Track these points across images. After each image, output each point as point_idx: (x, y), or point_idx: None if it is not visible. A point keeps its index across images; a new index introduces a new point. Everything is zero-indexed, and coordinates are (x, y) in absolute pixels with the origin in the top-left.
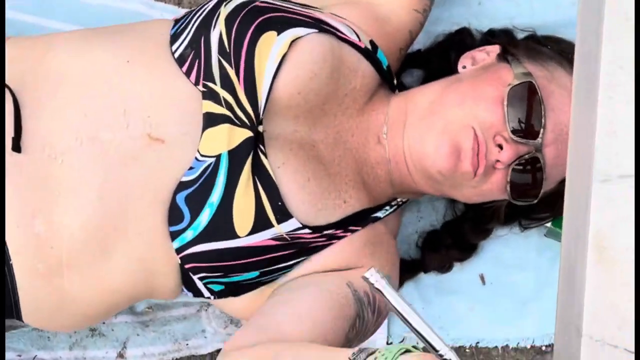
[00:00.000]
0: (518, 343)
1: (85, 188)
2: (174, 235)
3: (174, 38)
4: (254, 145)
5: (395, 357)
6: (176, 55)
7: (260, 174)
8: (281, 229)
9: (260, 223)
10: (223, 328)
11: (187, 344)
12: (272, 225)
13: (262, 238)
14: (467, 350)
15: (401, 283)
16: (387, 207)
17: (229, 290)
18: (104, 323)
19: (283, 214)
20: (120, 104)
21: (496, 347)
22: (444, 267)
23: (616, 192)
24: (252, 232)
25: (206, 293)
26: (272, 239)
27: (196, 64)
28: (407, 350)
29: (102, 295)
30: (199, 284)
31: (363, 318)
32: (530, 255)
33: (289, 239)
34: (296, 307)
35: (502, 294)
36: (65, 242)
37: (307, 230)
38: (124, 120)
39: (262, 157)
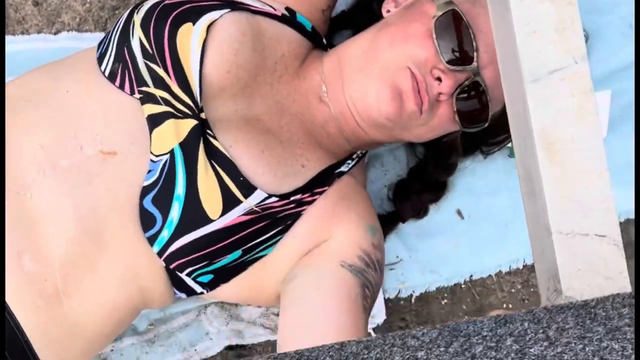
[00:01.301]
0: (510, 266)
1: (60, 215)
2: (151, 240)
3: (100, 59)
4: (202, 131)
5: None
6: (106, 73)
7: (216, 156)
8: (250, 202)
9: (229, 202)
10: (225, 326)
11: (195, 350)
12: (240, 201)
13: (235, 215)
14: (462, 286)
15: (384, 237)
16: (350, 161)
17: (217, 278)
18: (112, 350)
19: (247, 188)
20: (70, 130)
21: (490, 275)
22: (420, 212)
23: (549, 88)
24: (224, 213)
25: (198, 288)
26: (244, 214)
27: (126, 75)
28: None
29: (103, 313)
30: (189, 281)
31: (370, 283)
32: (499, 179)
33: (260, 211)
34: (314, 325)
35: (482, 223)
36: (56, 271)
37: (274, 199)
38: (77, 143)
39: (213, 140)
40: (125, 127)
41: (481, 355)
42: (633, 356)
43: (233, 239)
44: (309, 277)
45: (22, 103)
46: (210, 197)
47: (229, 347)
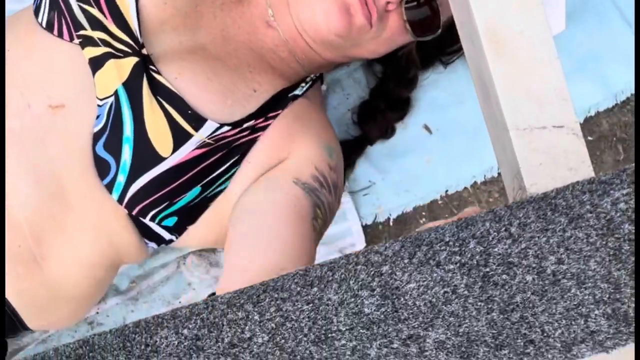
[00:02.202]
0: (485, 175)
1: (21, 178)
2: (109, 188)
3: (36, 11)
4: (144, 68)
5: None
6: (44, 24)
7: (161, 91)
8: (201, 135)
9: (179, 137)
10: (206, 274)
11: (179, 302)
12: (191, 135)
13: (188, 150)
14: (439, 202)
15: (353, 163)
16: (303, 84)
17: (182, 219)
18: (97, 312)
19: (197, 120)
20: (15, 90)
21: (465, 188)
22: (387, 132)
23: None
24: (175, 149)
25: (166, 234)
26: (197, 148)
27: (63, 21)
28: None
29: (82, 272)
30: (155, 227)
31: (322, 203)
32: (463, 88)
33: (213, 142)
34: (259, 235)
35: (451, 135)
36: (28, 235)
37: (226, 128)
38: (24, 101)
39: (156, 75)
40: (69, 76)
41: (446, 261)
42: (598, 242)
43: (189, 175)
44: (259, 194)
45: None
46: (159, 135)
47: (213, 295)
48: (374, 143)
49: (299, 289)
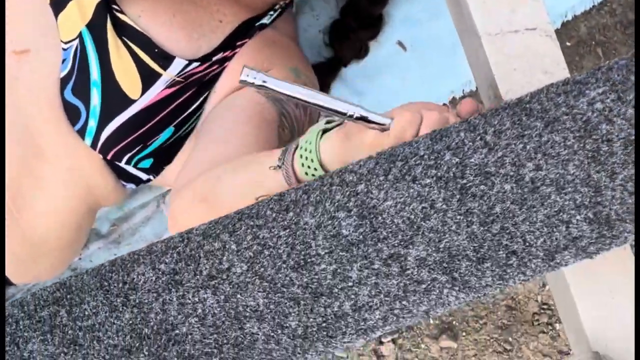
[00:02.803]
0: (463, 90)
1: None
2: (81, 133)
3: None
4: (107, 8)
5: (317, 141)
6: None
7: (125, 31)
8: (170, 73)
9: (148, 78)
10: None
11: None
12: (159, 75)
13: (157, 91)
14: None
15: (328, 85)
16: (271, 12)
17: (158, 160)
18: (80, 258)
19: (165, 59)
20: None
21: (444, 104)
22: (360, 51)
23: None
24: (144, 90)
25: (143, 175)
26: (167, 87)
27: None
28: (325, 130)
29: (60, 220)
30: (131, 170)
31: (288, 113)
32: (437, 1)
33: (183, 80)
34: (218, 133)
35: (426, 51)
36: (7, 194)
37: (195, 64)
38: None
39: (120, 15)
40: (32, 19)
41: (422, 175)
42: (576, 145)
43: (161, 116)
44: (224, 106)
45: None
46: (127, 77)
47: None
48: (347, 64)
49: (274, 215)
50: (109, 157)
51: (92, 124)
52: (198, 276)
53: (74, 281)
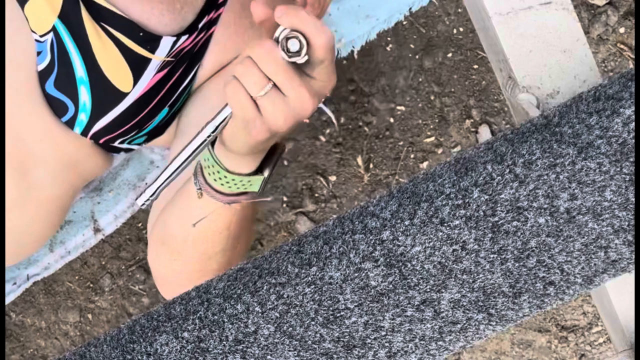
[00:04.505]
0: None
1: None
2: (70, 124)
3: None
4: None
5: (214, 155)
6: None
7: (104, 16)
8: (159, 56)
9: (137, 66)
10: (168, 149)
11: (145, 183)
12: (148, 60)
13: (149, 77)
14: (404, 23)
15: None
16: None
17: (152, 135)
18: None
19: (151, 41)
20: None
21: (431, 1)
22: None
23: None
24: (136, 81)
25: (134, 147)
26: (158, 71)
27: None
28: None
29: (47, 207)
30: (124, 146)
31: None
32: None
33: (174, 58)
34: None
35: None
36: None
37: (184, 37)
38: None
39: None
40: None
41: (450, 217)
42: (612, 169)
43: (156, 101)
44: (211, 83)
45: None
46: (115, 70)
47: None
48: None
49: (296, 270)
50: (101, 142)
51: (83, 117)
52: (225, 342)
53: (94, 353)
